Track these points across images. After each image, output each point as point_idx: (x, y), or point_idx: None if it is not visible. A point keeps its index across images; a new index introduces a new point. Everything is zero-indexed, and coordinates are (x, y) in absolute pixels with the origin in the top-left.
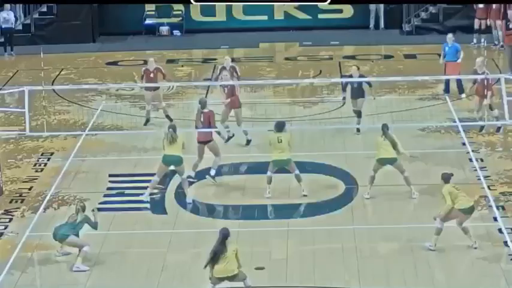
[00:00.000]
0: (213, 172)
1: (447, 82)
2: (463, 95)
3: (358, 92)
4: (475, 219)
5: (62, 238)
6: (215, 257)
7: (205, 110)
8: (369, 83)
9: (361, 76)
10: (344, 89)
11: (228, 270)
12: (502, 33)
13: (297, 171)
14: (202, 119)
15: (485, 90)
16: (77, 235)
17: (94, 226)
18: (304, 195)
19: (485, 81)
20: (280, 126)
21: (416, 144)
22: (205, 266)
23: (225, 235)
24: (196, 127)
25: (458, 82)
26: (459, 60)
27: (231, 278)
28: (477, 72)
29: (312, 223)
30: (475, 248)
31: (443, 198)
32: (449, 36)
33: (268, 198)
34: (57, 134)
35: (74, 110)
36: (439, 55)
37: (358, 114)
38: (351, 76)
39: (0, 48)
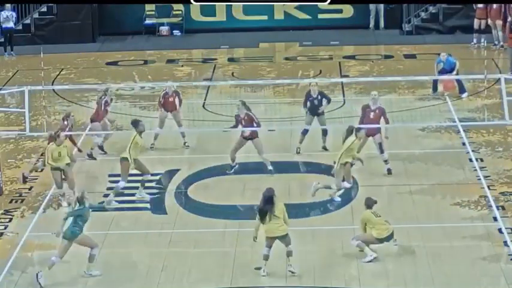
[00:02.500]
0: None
1: (435, 82)
2: (464, 95)
3: (318, 109)
4: (475, 219)
5: (74, 235)
6: (264, 215)
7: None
8: (328, 100)
9: (321, 94)
10: (304, 105)
11: (280, 229)
12: (502, 33)
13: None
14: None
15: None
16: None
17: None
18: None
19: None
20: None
21: (416, 144)
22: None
23: (271, 194)
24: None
25: (459, 82)
26: (453, 75)
27: (282, 238)
28: (369, 107)
29: (312, 223)
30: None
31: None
32: (443, 54)
33: None
34: None
35: (73, 110)
36: (439, 55)
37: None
38: (309, 93)
39: (0, 48)
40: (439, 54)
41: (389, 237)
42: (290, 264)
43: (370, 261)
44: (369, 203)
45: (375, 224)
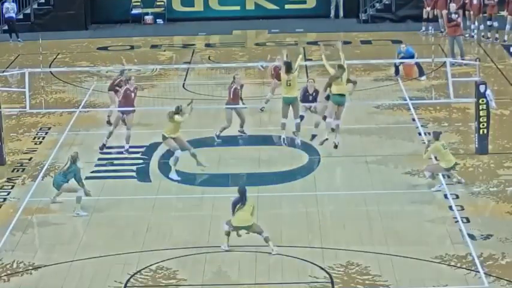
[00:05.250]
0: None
1: (397, 66)
2: (423, 78)
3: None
4: (423, 187)
5: (58, 185)
6: (234, 207)
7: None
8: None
9: (316, 91)
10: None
11: (244, 220)
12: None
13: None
14: None
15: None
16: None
17: (84, 189)
18: None
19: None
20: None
21: (372, 119)
22: (233, 214)
23: (243, 191)
24: None
25: (419, 67)
26: (413, 62)
27: (247, 228)
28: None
29: (279, 189)
30: None
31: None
32: (402, 46)
33: (240, 168)
34: (53, 111)
35: (68, 89)
36: (392, 41)
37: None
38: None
39: (5, 35)
40: (400, 42)
41: (454, 167)
42: (272, 249)
43: (438, 191)
44: (437, 135)
45: (443, 155)
